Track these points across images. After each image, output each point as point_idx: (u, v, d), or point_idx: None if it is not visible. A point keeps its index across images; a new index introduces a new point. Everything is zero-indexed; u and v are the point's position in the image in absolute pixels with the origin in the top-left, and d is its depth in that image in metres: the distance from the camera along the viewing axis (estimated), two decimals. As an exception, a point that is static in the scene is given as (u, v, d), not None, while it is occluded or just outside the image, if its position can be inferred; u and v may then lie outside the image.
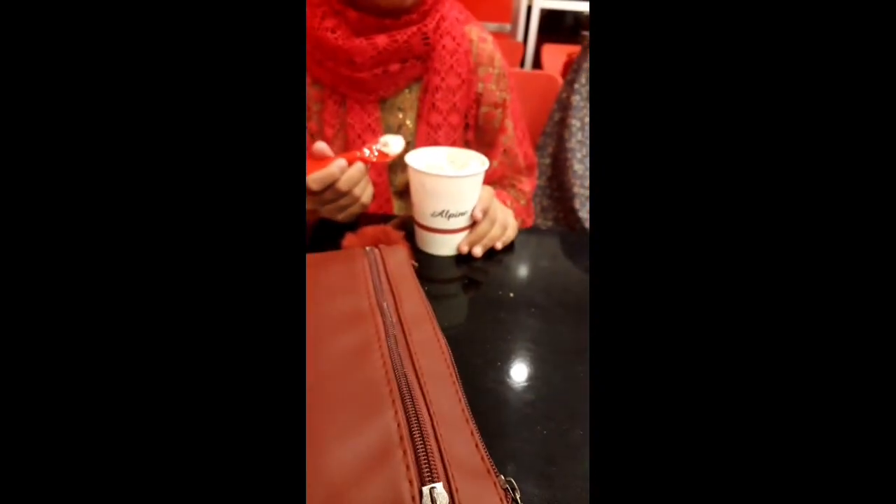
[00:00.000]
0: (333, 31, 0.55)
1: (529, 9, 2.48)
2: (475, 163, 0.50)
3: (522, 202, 0.75)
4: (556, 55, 2.65)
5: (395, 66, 0.58)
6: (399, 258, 0.39)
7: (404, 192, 0.67)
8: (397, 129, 0.64)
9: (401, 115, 0.64)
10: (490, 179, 0.71)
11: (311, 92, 0.62)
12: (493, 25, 2.43)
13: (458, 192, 0.48)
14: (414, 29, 0.56)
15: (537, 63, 2.52)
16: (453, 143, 0.67)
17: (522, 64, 2.46)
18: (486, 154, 0.70)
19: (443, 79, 0.63)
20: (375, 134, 0.62)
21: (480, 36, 0.68)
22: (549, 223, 0.83)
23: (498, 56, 0.69)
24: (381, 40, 0.55)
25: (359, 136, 0.62)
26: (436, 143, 0.64)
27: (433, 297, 0.44)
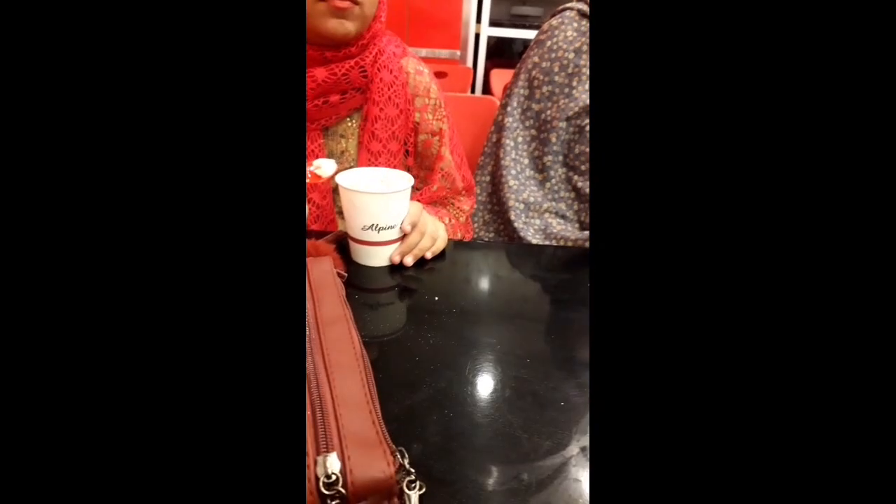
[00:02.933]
0: None
1: (478, 36, 2.61)
2: (402, 181, 0.54)
3: (462, 219, 0.79)
4: (505, 79, 2.79)
5: (335, 98, 0.62)
6: (324, 268, 0.42)
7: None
8: (340, 155, 0.68)
9: (343, 143, 0.67)
10: (431, 200, 0.75)
11: None
12: (443, 52, 2.54)
13: (385, 207, 0.51)
14: (352, 62, 0.60)
15: (486, 86, 2.65)
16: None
17: (473, 88, 2.57)
18: (426, 178, 0.74)
19: (381, 109, 0.67)
20: (318, 158, 0.65)
21: (417, 69, 0.72)
22: (491, 234, 0.88)
23: (434, 87, 0.74)
24: (320, 73, 0.58)
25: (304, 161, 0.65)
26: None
27: (367, 305, 0.48)
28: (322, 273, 0.41)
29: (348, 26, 0.56)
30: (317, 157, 0.65)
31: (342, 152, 0.68)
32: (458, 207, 0.79)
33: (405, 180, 0.54)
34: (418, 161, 0.74)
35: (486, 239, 0.87)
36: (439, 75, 2.36)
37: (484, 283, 0.57)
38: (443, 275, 0.57)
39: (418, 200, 0.62)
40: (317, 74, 0.58)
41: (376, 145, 0.68)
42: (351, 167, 0.67)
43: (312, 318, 0.34)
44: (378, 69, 0.65)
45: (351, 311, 0.37)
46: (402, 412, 0.33)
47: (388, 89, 0.67)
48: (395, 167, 0.70)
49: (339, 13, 0.55)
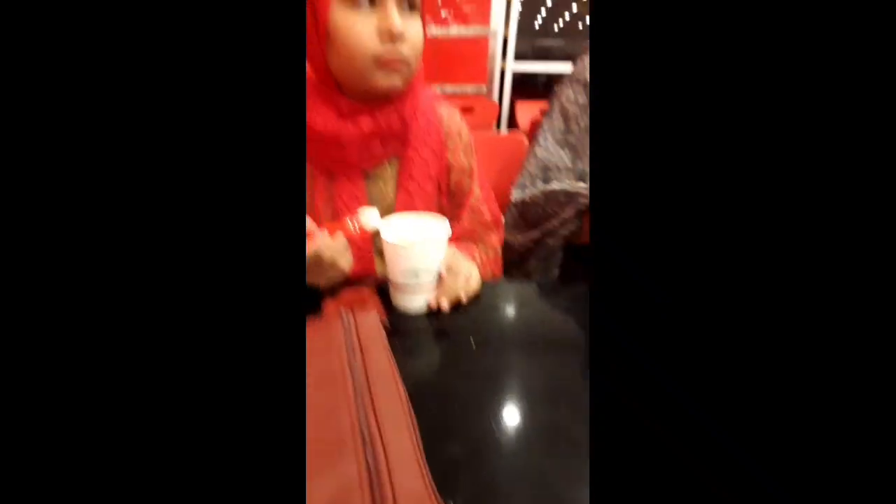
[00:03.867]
0: (323, 118, 0.63)
1: (503, 71, 2.70)
2: (439, 228, 0.58)
3: (491, 254, 0.82)
4: (529, 111, 2.85)
5: (376, 144, 0.66)
6: (370, 321, 0.45)
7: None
8: (379, 197, 0.72)
9: (382, 185, 0.72)
10: (460, 235, 0.78)
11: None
12: (469, 87, 2.63)
13: (423, 255, 0.54)
14: (393, 112, 0.65)
15: (512, 119, 2.70)
16: (428, 208, 0.74)
17: (499, 120, 2.63)
18: (457, 213, 0.78)
19: (418, 152, 0.72)
20: (360, 201, 0.70)
21: (449, 113, 0.77)
22: (520, 238, 0.90)
23: (464, 129, 0.78)
24: (366, 124, 0.63)
25: (345, 205, 0.69)
26: (413, 207, 0.72)
27: (406, 350, 0.50)
28: (369, 328, 0.43)
29: (395, 81, 0.61)
30: (358, 199, 0.70)
31: (381, 195, 0.72)
32: (487, 242, 0.82)
33: (442, 228, 0.57)
34: (450, 199, 0.78)
35: (515, 243, 0.90)
36: (466, 110, 2.44)
37: (518, 324, 0.58)
38: (477, 316, 0.59)
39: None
40: (362, 125, 0.63)
41: (413, 186, 0.72)
42: (389, 206, 0.71)
43: (362, 375, 0.36)
44: (415, 116, 0.70)
45: (396, 364, 0.39)
46: (442, 461, 0.35)
47: (424, 134, 0.72)
48: (429, 205, 0.74)
49: (388, 69, 0.60)
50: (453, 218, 0.77)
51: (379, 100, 0.64)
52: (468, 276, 0.60)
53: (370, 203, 0.70)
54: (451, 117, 0.77)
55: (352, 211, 0.68)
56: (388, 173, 0.72)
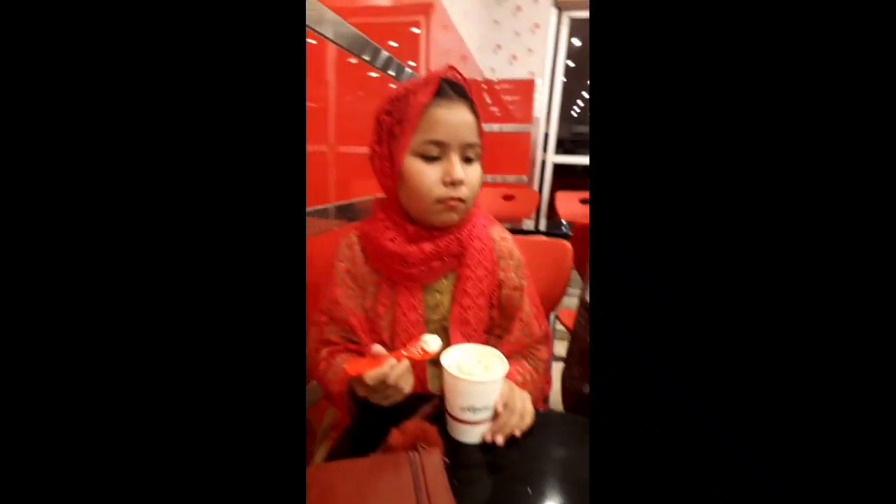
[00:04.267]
0: (393, 241, 0.74)
1: (544, 163, 2.85)
2: (497, 364, 0.61)
3: (541, 370, 0.84)
4: (568, 201, 2.95)
5: (436, 263, 0.75)
6: (435, 464, 0.48)
7: (436, 361, 0.79)
8: (435, 307, 0.78)
9: (438, 296, 0.79)
10: (511, 350, 0.81)
11: (370, 277, 0.78)
12: (512, 177, 2.78)
13: (483, 392, 0.58)
14: (452, 236, 0.75)
15: (552, 207, 2.81)
16: (479, 320, 0.79)
17: (539, 209, 2.74)
18: (508, 327, 0.82)
19: (473, 271, 0.79)
20: (417, 311, 0.76)
21: (501, 235, 0.85)
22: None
23: (516, 251, 0.86)
24: (427, 246, 0.73)
25: (404, 314, 0.76)
26: (466, 320, 0.77)
27: (460, 483, 0.52)
28: (434, 472, 0.46)
29: (453, 216, 0.72)
30: (416, 309, 0.76)
31: (437, 305, 0.78)
32: (538, 358, 0.85)
33: (501, 366, 0.61)
34: (501, 312, 0.83)
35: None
36: (507, 199, 2.56)
37: (572, 462, 0.59)
38: (530, 452, 0.60)
39: (500, 350, 0.69)
40: (425, 248, 0.73)
41: (467, 300, 0.78)
42: (444, 316, 0.76)
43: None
44: (471, 239, 0.78)
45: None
46: None
47: (479, 254, 0.79)
48: (481, 318, 0.79)
49: (447, 208, 0.70)
50: (504, 331, 0.82)
51: (441, 230, 0.74)
52: (523, 413, 0.63)
53: (427, 311, 0.76)
54: (504, 240, 0.85)
55: (409, 319, 0.75)
56: (445, 286, 0.79)
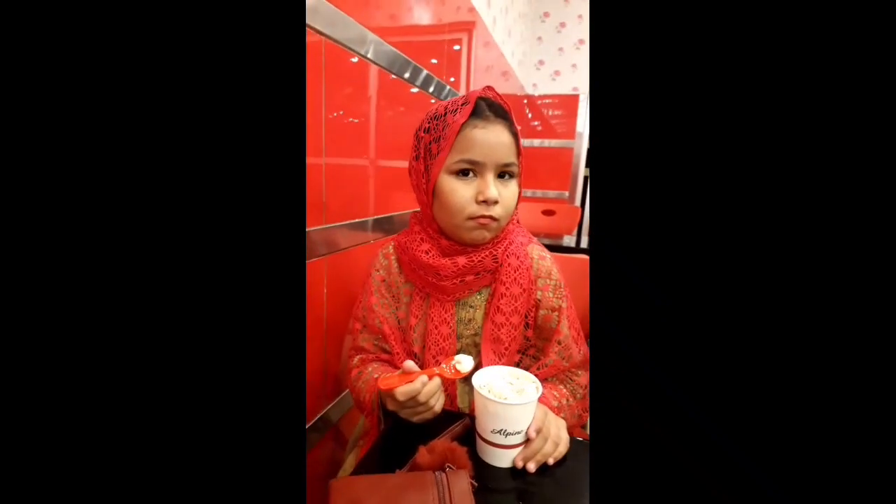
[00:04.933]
0: (427, 253, 0.74)
1: (587, 178, 2.79)
2: (531, 388, 0.59)
3: (579, 395, 0.80)
4: (613, 218, 2.86)
5: (470, 278, 0.74)
6: (462, 485, 0.46)
7: (465, 380, 0.77)
8: (468, 323, 0.77)
9: (471, 312, 0.77)
10: (546, 373, 0.78)
11: (405, 288, 0.78)
12: (552, 193, 2.74)
13: (515, 416, 0.56)
14: (487, 252, 0.73)
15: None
16: (512, 339, 0.77)
17: (580, 224, 2.67)
18: (543, 348, 0.79)
19: (507, 288, 0.77)
20: (449, 325, 0.75)
21: (540, 255, 0.82)
22: None
23: (555, 270, 0.83)
24: (462, 260, 0.72)
25: (436, 327, 0.75)
26: (499, 338, 0.75)
27: (488, 512, 0.50)
28: (461, 494, 0.45)
29: (487, 235, 0.71)
30: (448, 323, 0.75)
31: (469, 320, 0.76)
32: (577, 383, 0.81)
33: (534, 389, 0.59)
34: (537, 332, 0.80)
35: None
36: (548, 213, 2.52)
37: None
38: (563, 485, 0.57)
39: (535, 374, 0.66)
40: (459, 261, 0.72)
41: (500, 318, 0.76)
42: (476, 331, 0.74)
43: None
44: (507, 256, 0.76)
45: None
46: None
47: (514, 272, 0.77)
48: (514, 337, 0.76)
49: (479, 226, 0.70)
50: (540, 352, 0.79)
51: (475, 246, 0.73)
52: (557, 440, 0.60)
53: (459, 326, 0.75)
54: (543, 259, 0.82)
55: (440, 332, 0.74)
56: (478, 302, 0.77)
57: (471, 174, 0.69)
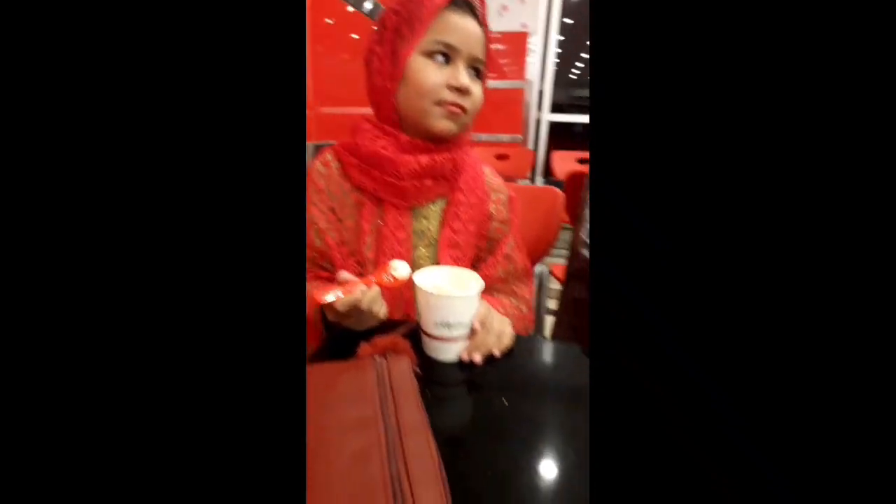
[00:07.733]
0: (385, 148, 0.70)
1: (538, 121, 2.77)
2: (473, 283, 0.59)
3: (524, 309, 0.82)
4: (565, 160, 2.89)
5: (429, 182, 0.72)
6: (403, 369, 0.46)
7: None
8: (421, 234, 0.75)
9: (425, 223, 0.76)
10: (491, 281, 0.79)
11: (351, 195, 0.74)
12: (505, 136, 2.71)
13: (458, 308, 0.56)
14: (448, 155, 0.72)
15: (548, 167, 2.75)
16: (468, 247, 0.77)
17: (534, 169, 2.68)
18: (491, 259, 0.80)
19: (465, 195, 0.78)
20: (405, 233, 0.73)
21: (491, 171, 0.85)
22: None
23: (504, 187, 0.85)
24: (423, 159, 0.70)
25: (392, 232, 0.73)
26: (457, 244, 0.75)
27: (436, 399, 0.50)
28: (401, 374, 0.44)
29: (451, 126, 0.70)
30: (403, 229, 0.73)
31: (423, 231, 0.75)
32: (520, 296, 0.83)
33: (476, 283, 0.58)
34: (488, 244, 0.81)
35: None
36: (501, 157, 2.50)
37: (553, 383, 0.57)
38: (509, 372, 0.58)
39: (480, 275, 0.66)
40: (420, 160, 0.70)
41: (458, 225, 0.76)
42: (432, 242, 0.73)
43: (394, 423, 0.37)
44: (465, 166, 0.76)
45: (427, 417, 0.39)
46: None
47: (472, 181, 0.78)
48: (470, 246, 0.77)
49: (450, 116, 0.68)
50: (488, 264, 0.80)
51: (435, 141, 0.71)
52: (500, 333, 0.60)
53: (414, 236, 0.74)
54: (493, 175, 0.83)
55: (396, 237, 0.72)
56: (433, 214, 0.76)
57: (443, 59, 0.67)
